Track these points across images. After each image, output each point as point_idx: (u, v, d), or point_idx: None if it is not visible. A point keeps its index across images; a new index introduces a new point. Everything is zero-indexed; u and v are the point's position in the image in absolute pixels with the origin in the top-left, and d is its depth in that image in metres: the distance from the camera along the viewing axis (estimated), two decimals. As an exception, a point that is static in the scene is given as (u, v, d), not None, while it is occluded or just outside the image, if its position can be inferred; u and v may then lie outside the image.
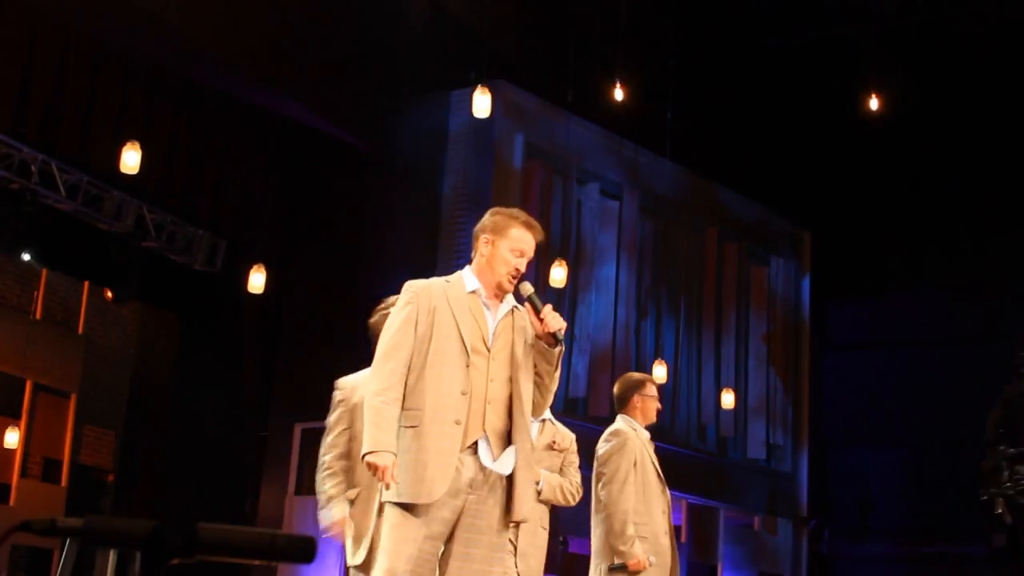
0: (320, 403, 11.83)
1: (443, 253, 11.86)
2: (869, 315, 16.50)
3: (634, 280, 13.78)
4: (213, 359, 12.94)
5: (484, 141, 12.33)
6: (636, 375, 7.07)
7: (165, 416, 13.57)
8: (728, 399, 14.16)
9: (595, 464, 6.50)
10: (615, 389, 6.81)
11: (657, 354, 13.42)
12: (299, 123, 12.13)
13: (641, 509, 6.39)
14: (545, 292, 11.26)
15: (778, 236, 15.91)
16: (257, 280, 11.45)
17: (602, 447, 6.51)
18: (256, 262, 11.57)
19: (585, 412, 12.75)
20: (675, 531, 6.70)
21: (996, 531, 14.76)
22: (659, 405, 6.76)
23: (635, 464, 6.43)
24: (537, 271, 11.65)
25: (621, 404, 6.72)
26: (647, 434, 6.64)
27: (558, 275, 11.00)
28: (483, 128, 11.84)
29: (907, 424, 15.42)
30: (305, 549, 1.75)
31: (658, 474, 6.54)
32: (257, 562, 1.77)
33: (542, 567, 5.99)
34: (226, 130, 12.00)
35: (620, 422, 6.63)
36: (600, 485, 6.43)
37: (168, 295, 13.19)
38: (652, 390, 6.74)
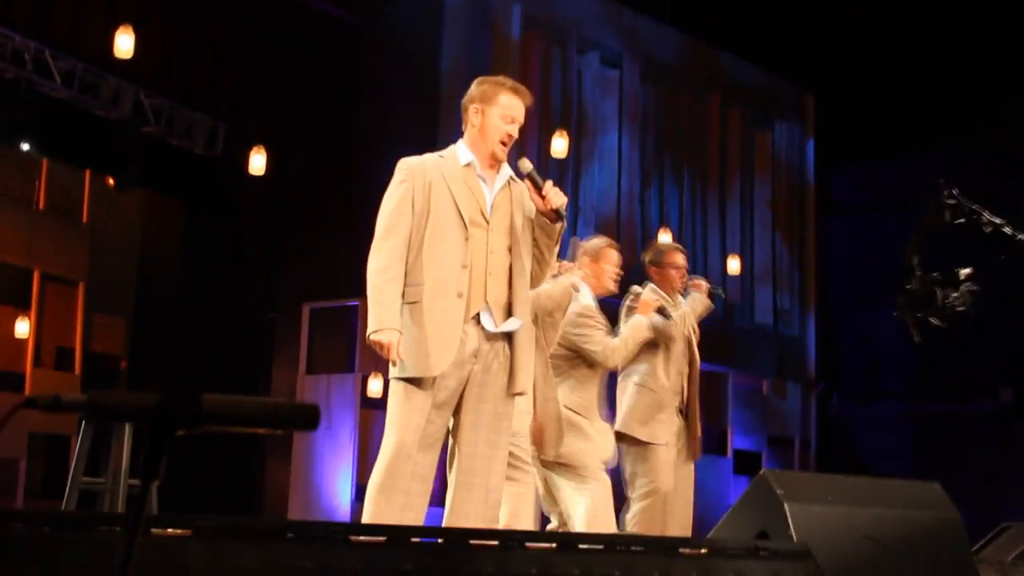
0: (327, 282, 11.94)
1: (443, 129, 11.77)
2: (874, 178, 16.41)
3: (637, 149, 13.71)
4: (219, 242, 12.95)
5: (481, 14, 12.17)
6: (660, 244, 7.13)
7: (174, 301, 13.62)
8: (734, 265, 14.19)
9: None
10: None
11: (662, 222, 13.41)
12: (294, 1, 11.97)
13: (656, 371, 6.48)
14: (547, 164, 11.21)
15: (781, 100, 15.78)
16: (258, 162, 11.40)
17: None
18: (256, 144, 11.51)
19: (591, 283, 12.78)
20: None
21: (1004, 387, 14.87)
22: (680, 272, 6.68)
23: None
24: (539, 142, 11.59)
25: (646, 272, 6.77)
26: (675, 299, 6.64)
27: (559, 146, 10.93)
28: (480, 0, 11.66)
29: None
30: (309, 416, 1.77)
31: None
32: (263, 431, 1.78)
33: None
34: (220, 11, 11.84)
35: (646, 290, 6.65)
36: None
37: (170, 180, 13.13)
38: (673, 259, 6.70)
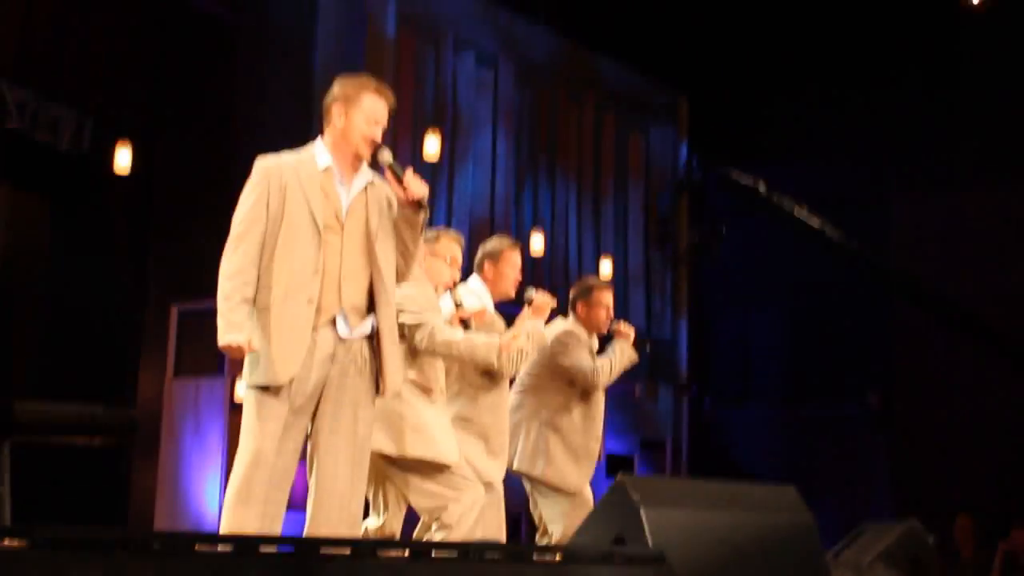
0: (196, 282, 11.71)
1: (317, 127, 11.63)
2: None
3: (512, 151, 13.70)
4: (85, 242, 12.62)
5: (356, 11, 12.07)
6: (589, 280, 6.81)
7: (38, 302, 13.25)
8: (607, 268, 14.23)
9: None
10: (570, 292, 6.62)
11: (535, 224, 13.41)
12: (164, -6, 11.76)
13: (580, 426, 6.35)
14: (421, 165, 11.14)
15: (655, 103, 15.89)
16: (123, 159, 11.14)
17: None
18: (123, 140, 11.25)
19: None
20: None
21: (872, 391, 15.16)
22: (610, 314, 6.48)
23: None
24: (413, 143, 11.53)
25: (570, 306, 6.53)
26: (593, 342, 6.48)
27: (432, 147, 10.86)
28: (355, -3, 11.58)
29: (785, 287, 15.64)
30: (126, 424, 1.69)
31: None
32: (80, 440, 1.70)
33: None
34: (88, 2, 11.57)
35: (569, 323, 6.44)
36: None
37: (35, 177, 12.78)
38: (602, 298, 6.47)
